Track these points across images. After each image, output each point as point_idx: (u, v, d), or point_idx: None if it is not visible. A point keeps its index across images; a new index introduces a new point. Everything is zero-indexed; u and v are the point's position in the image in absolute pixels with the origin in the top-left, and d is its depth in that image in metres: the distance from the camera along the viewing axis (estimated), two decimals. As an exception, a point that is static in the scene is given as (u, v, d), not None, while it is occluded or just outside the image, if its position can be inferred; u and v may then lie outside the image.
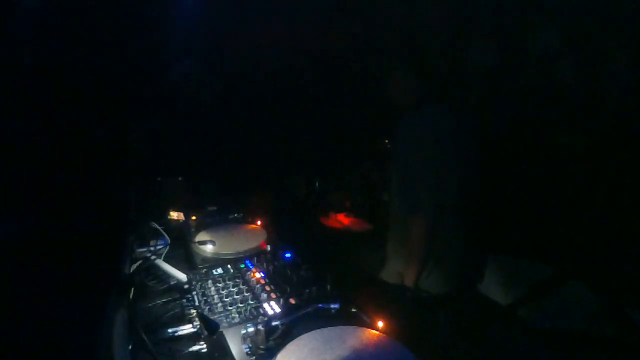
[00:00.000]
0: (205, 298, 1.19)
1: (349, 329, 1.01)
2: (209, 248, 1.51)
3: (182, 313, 1.18)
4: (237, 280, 1.31)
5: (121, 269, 1.32)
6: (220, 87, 3.01)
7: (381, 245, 1.92)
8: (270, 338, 0.98)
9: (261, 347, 0.96)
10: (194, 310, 1.14)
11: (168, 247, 1.56)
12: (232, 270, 1.38)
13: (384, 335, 0.99)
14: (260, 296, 1.20)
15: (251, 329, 0.98)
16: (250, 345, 0.97)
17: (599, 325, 2.00)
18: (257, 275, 1.33)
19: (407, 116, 1.65)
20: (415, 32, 2.00)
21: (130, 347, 1.02)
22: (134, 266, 1.38)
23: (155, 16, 2.70)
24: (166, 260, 1.45)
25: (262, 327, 0.97)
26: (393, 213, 1.76)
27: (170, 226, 1.72)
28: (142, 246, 1.54)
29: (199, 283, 1.27)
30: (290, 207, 2.80)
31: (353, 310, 1.11)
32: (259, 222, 1.79)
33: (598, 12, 2.00)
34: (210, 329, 0.99)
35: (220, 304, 1.16)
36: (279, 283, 1.27)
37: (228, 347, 0.98)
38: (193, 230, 1.69)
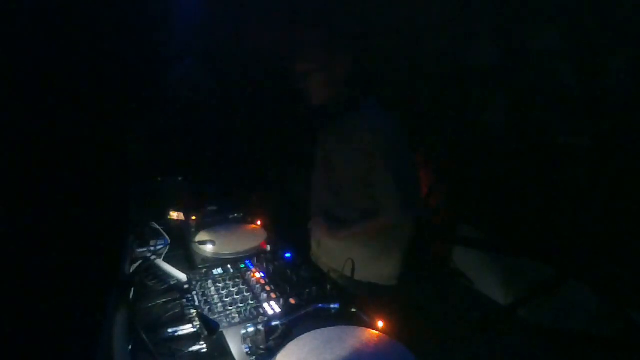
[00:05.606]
0: (205, 298, 1.19)
1: (349, 329, 1.01)
2: (209, 248, 1.50)
3: (182, 313, 1.18)
4: (237, 280, 1.31)
5: (121, 269, 1.32)
6: (219, 87, 3.01)
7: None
8: (270, 338, 0.98)
9: (261, 347, 0.96)
10: (194, 310, 1.14)
11: (168, 247, 1.56)
12: (232, 270, 1.37)
13: (384, 335, 0.99)
14: (260, 296, 1.20)
15: (251, 329, 0.98)
16: (250, 345, 0.97)
17: (599, 325, 2.00)
18: (257, 275, 1.33)
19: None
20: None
21: (130, 347, 1.01)
22: (134, 266, 1.38)
23: (155, 16, 2.70)
24: (166, 260, 1.45)
25: (262, 327, 0.97)
26: None
27: (170, 226, 1.72)
28: (142, 246, 1.54)
29: (199, 283, 1.27)
30: (290, 207, 2.80)
31: (353, 310, 1.11)
32: (259, 222, 1.79)
33: (598, 12, 2.00)
34: (210, 329, 0.99)
35: (220, 304, 1.15)
36: (279, 283, 1.27)
37: (228, 347, 0.98)
38: (193, 230, 1.69)
